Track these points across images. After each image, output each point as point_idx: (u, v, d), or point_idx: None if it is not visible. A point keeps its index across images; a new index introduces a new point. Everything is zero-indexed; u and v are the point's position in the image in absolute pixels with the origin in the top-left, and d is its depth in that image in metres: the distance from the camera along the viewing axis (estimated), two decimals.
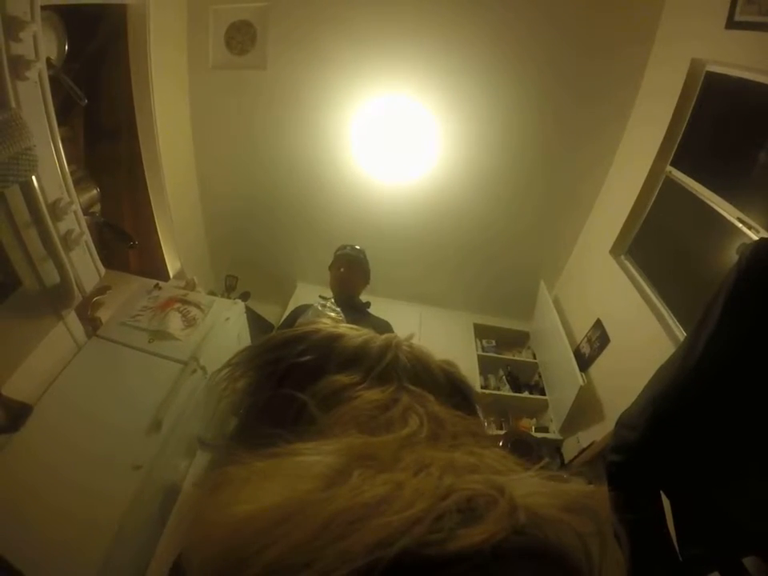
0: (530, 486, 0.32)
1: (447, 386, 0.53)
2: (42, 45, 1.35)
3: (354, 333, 0.56)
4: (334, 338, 0.54)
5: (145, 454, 1.70)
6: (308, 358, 0.52)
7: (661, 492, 1.08)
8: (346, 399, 0.46)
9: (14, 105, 1.23)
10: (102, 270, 1.72)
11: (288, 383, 0.50)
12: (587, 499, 0.32)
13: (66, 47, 1.88)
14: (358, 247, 2.04)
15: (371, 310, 1.85)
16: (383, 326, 1.77)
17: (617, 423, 1.17)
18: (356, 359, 0.51)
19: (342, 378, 0.48)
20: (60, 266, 1.46)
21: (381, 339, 0.55)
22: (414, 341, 0.58)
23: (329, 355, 0.52)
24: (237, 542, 0.30)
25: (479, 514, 0.28)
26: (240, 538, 0.30)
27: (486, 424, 0.58)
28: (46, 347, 1.66)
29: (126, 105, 2.32)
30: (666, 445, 1.01)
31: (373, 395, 0.46)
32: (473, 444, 0.40)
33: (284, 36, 2.78)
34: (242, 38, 2.84)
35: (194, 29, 2.79)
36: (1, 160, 1.15)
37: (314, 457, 0.35)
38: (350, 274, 1.89)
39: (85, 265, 1.60)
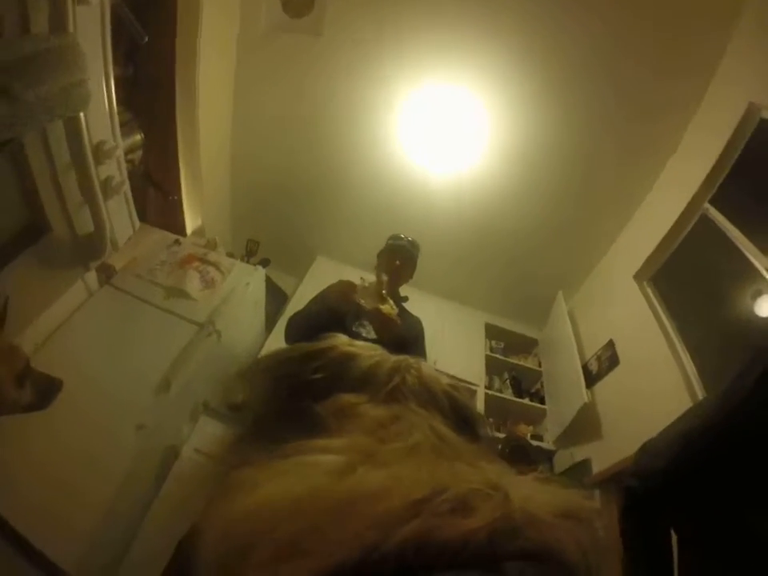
0: (528, 489, 0.34)
1: (450, 411, 0.55)
2: None
3: (367, 353, 0.60)
4: (348, 358, 0.59)
5: (150, 413, 1.66)
6: (321, 375, 0.57)
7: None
8: (353, 415, 0.49)
9: (71, 29, 1.12)
10: (137, 223, 1.64)
11: (302, 396, 0.55)
12: (586, 507, 0.35)
13: None
14: (411, 239, 1.94)
15: (407, 305, 1.81)
16: (415, 323, 1.76)
17: (640, 450, 1.17)
18: (366, 380, 0.55)
19: (350, 398, 0.52)
20: (96, 215, 1.38)
21: (391, 362, 0.58)
22: (430, 355, 0.63)
23: (341, 375, 0.56)
24: (250, 525, 0.34)
25: (474, 506, 0.31)
26: (252, 522, 0.34)
27: (490, 449, 0.60)
28: None
29: (169, 55, 2.23)
30: (694, 477, 1.00)
31: (378, 412, 0.49)
32: (473, 460, 0.42)
33: (345, 2, 2.65)
34: None
35: None
36: (50, 90, 1.05)
37: (324, 456, 0.39)
38: (404, 268, 1.85)
39: (121, 215, 1.52)
